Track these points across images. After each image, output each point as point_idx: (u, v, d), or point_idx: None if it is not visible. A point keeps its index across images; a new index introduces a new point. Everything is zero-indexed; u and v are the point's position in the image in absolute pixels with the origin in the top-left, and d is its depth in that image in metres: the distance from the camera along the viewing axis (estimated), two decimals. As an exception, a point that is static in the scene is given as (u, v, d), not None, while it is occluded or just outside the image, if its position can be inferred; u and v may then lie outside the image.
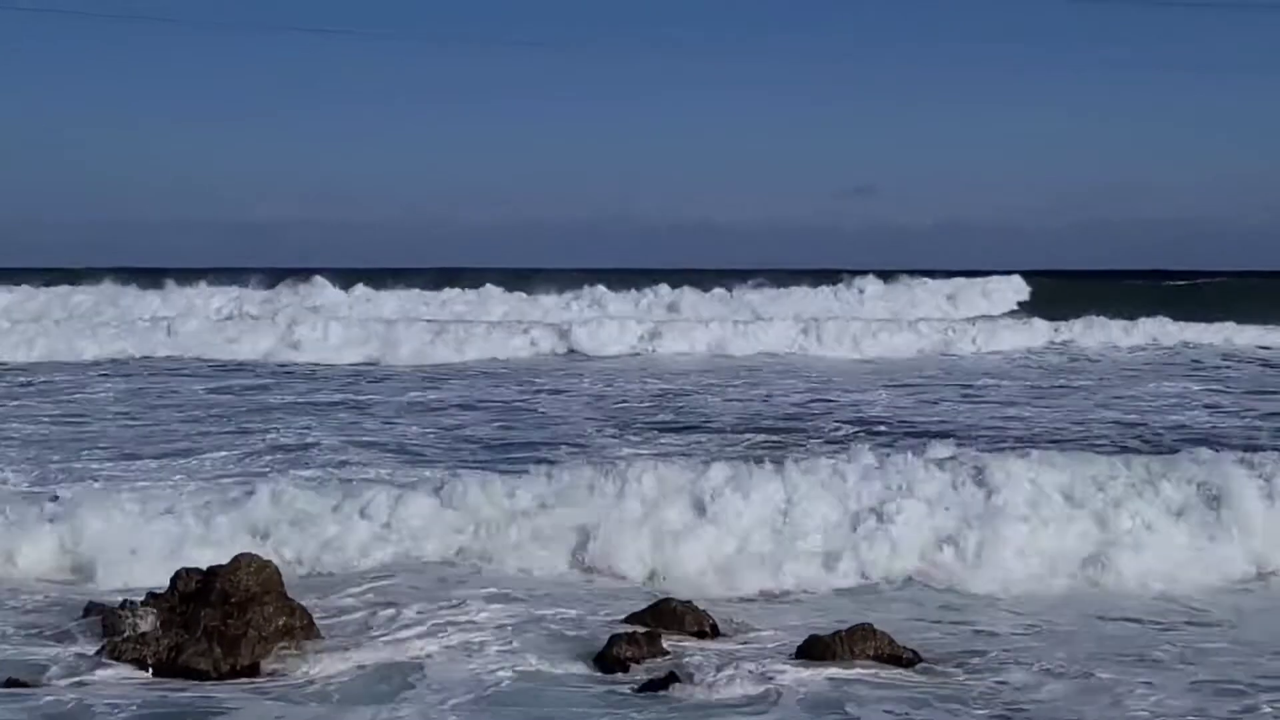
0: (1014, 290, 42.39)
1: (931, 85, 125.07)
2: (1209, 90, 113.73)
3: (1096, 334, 29.36)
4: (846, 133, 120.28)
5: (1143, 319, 29.94)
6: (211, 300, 37.17)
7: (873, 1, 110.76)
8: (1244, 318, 30.51)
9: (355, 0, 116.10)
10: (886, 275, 42.15)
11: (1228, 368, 23.78)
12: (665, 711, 5.95)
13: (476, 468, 11.55)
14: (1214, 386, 20.04)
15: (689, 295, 37.33)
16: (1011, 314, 37.16)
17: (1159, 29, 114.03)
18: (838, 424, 15.28)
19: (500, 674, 6.41)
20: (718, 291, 38.28)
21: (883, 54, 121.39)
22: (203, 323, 28.63)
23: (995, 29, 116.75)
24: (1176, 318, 30.34)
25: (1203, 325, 29.88)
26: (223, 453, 12.84)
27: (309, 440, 13.67)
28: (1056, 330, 29.65)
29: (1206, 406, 17.40)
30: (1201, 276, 50.17)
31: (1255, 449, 11.04)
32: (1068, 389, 19.85)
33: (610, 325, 28.11)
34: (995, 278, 43.12)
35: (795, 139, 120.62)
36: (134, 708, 5.88)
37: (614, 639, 6.69)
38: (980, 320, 32.87)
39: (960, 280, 42.75)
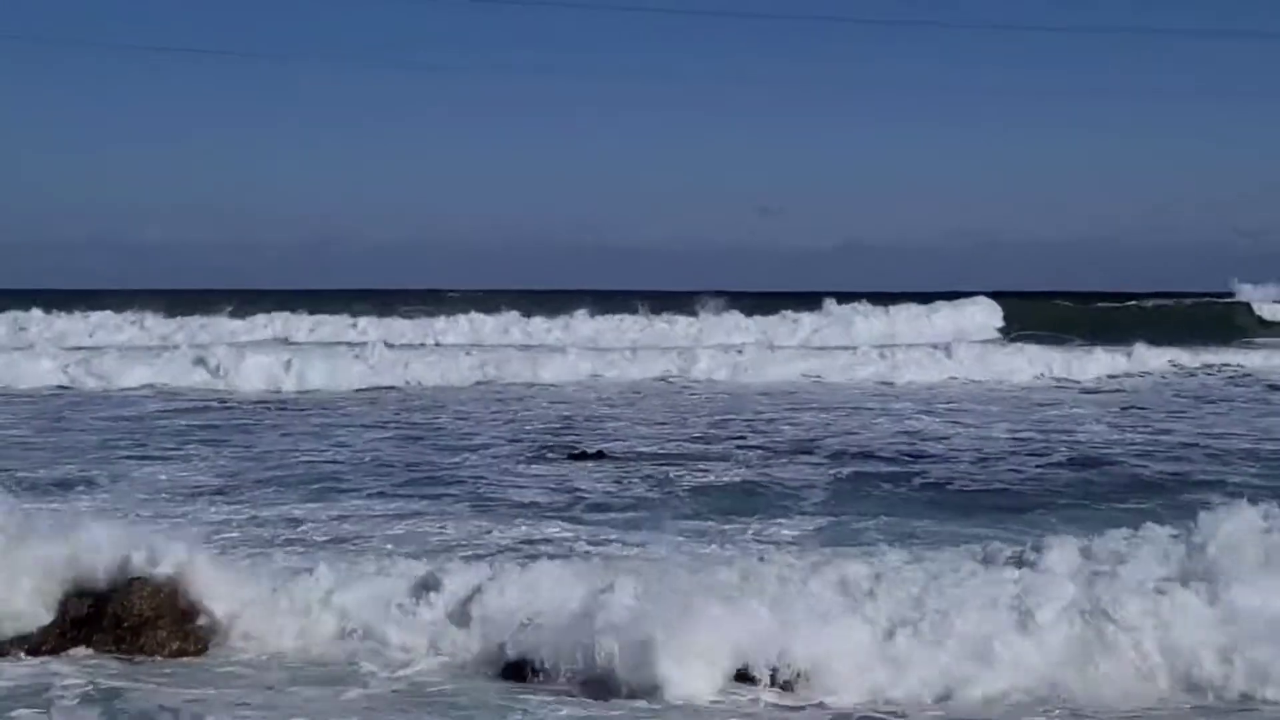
0: (987, 314, 41.37)
1: (833, 107, 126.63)
2: (1105, 112, 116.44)
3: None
4: (750, 154, 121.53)
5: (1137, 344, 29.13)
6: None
7: (773, 24, 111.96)
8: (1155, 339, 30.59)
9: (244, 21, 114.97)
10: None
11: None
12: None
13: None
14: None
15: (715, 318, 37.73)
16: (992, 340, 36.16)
17: (1064, 53, 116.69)
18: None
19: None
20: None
21: (786, 76, 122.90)
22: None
23: (896, 52, 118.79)
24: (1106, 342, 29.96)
25: (1148, 348, 29.28)
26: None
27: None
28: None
29: None
30: (1098, 299, 50.65)
31: None
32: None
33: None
34: (970, 300, 41.80)
35: (700, 160, 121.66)
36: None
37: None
38: (981, 345, 32.09)
39: (940, 303, 41.59)
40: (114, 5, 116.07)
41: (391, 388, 24.65)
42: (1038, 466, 14.25)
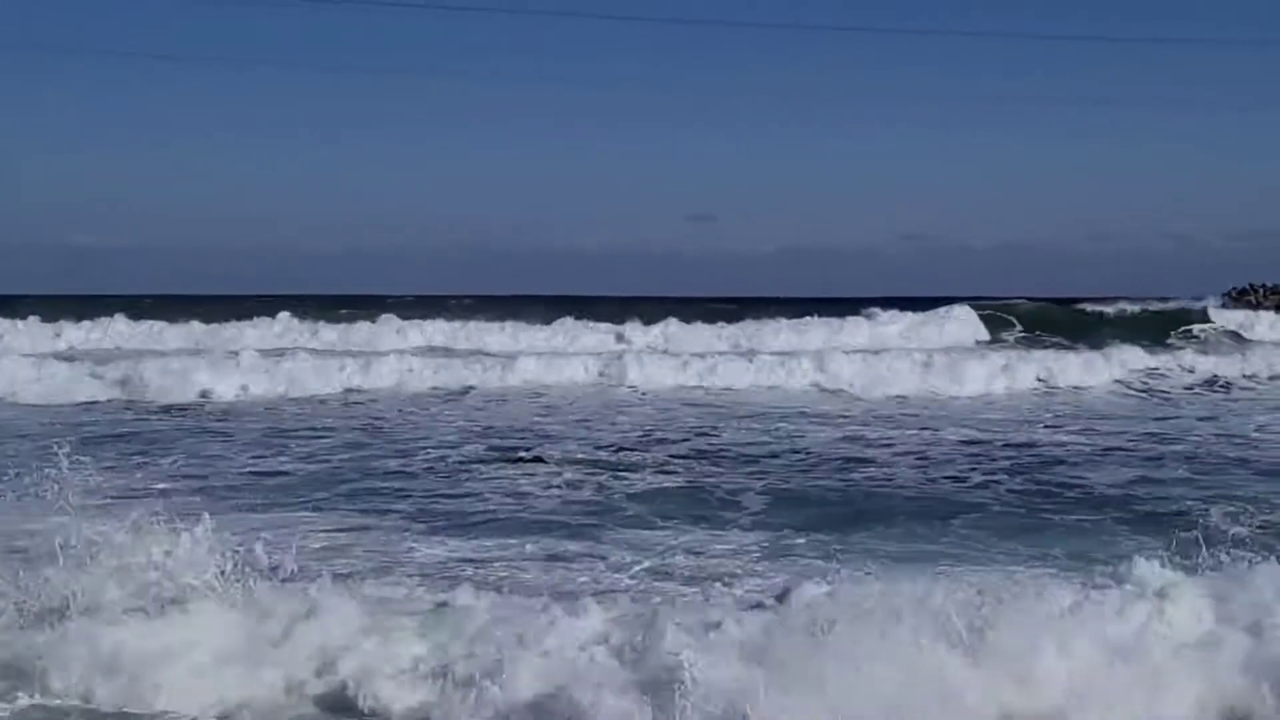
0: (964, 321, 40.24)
1: (769, 113, 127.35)
2: (1039, 117, 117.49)
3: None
4: (686, 160, 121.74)
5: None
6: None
7: (707, 29, 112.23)
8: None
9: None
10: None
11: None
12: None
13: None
14: None
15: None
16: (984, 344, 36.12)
17: (1000, 58, 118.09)
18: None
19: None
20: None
21: (722, 83, 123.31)
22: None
23: (830, 58, 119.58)
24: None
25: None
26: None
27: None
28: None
29: None
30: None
31: None
32: None
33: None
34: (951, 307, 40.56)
35: (635, 166, 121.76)
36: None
37: None
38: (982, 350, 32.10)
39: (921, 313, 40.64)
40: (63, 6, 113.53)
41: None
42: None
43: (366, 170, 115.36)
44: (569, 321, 37.39)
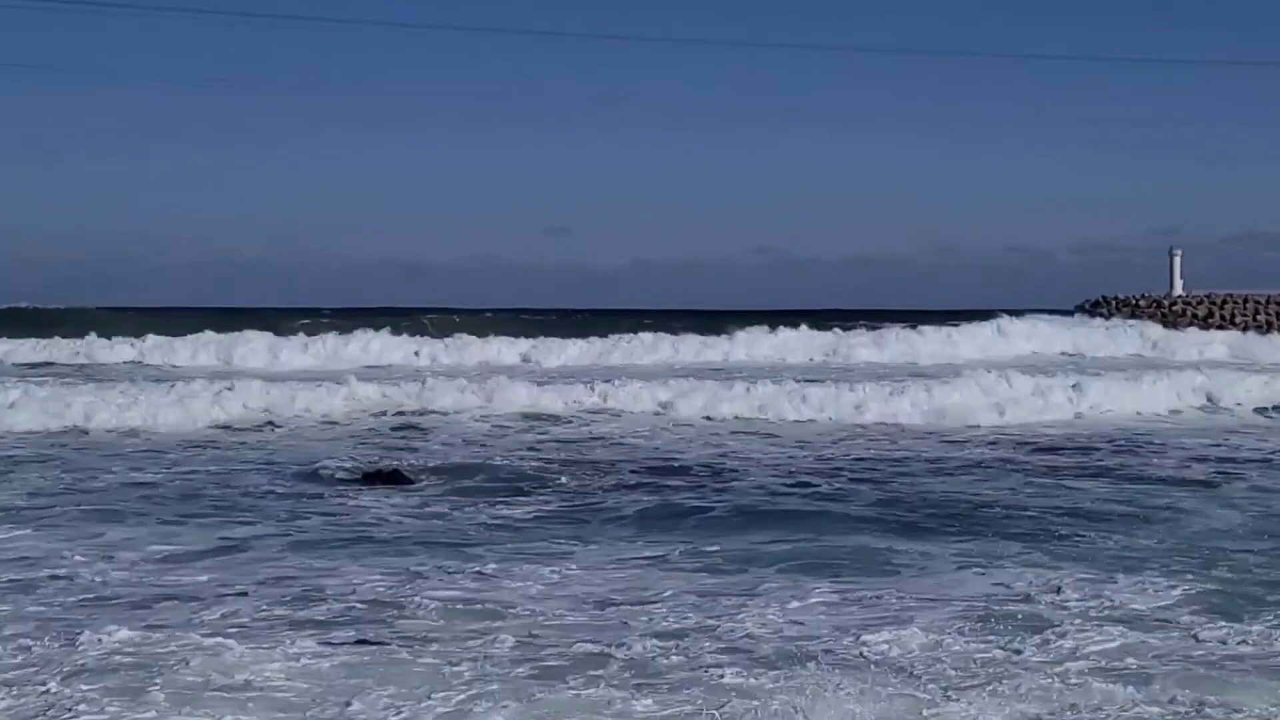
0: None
1: (622, 125, 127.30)
2: (884, 132, 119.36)
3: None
4: (541, 172, 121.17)
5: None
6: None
7: (557, 40, 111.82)
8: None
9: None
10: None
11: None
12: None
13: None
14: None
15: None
16: None
17: (841, 70, 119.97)
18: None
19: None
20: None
21: (576, 95, 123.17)
22: None
23: (682, 71, 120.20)
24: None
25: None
26: None
27: None
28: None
29: None
30: (862, 317, 51.59)
31: None
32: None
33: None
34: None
35: (491, 178, 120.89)
36: None
37: None
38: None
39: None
40: None
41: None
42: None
43: (224, 184, 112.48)
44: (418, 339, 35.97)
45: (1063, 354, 37.95)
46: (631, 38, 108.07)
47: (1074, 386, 24.16)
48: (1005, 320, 40.11)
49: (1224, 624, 8.03)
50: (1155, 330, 42.26)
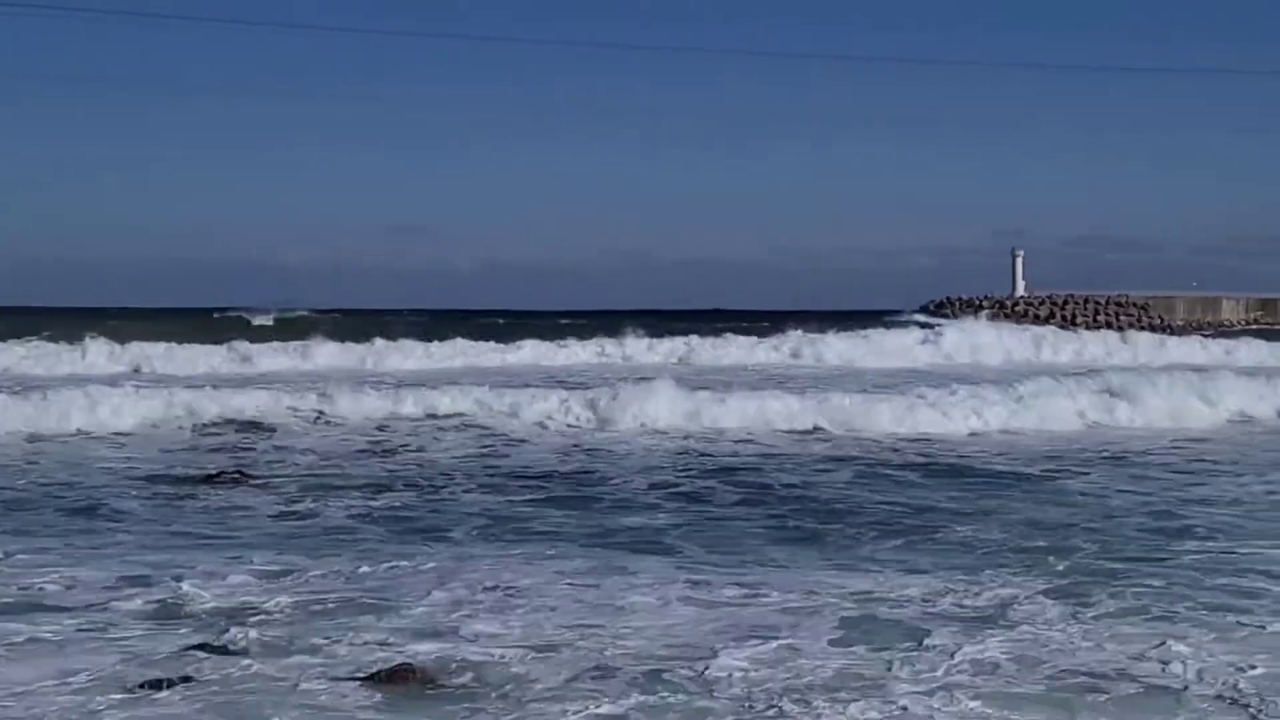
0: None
1: (479, 125, 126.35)
2: (757, 135, 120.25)
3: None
4: (394, 171, 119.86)
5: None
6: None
7: (415, 41, 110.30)
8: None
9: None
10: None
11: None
12: None
13: None
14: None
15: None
16: None
17: (707, 76, 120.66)
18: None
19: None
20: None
21: (428, 96, 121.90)
22: None
23: (546, 74, 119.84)
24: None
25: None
26: None
27: None
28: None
29: None
30: (725, 316, 51.97)
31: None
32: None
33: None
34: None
35: (345, 177, 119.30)
36: None
37: None
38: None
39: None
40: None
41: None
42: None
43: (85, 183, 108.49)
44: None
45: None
46: (477, 38, 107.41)
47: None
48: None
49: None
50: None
